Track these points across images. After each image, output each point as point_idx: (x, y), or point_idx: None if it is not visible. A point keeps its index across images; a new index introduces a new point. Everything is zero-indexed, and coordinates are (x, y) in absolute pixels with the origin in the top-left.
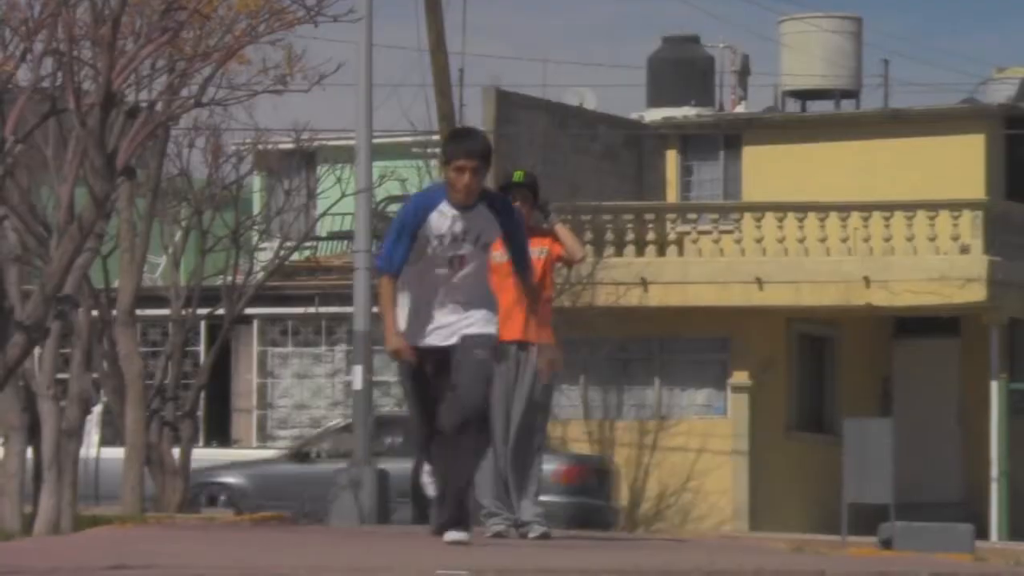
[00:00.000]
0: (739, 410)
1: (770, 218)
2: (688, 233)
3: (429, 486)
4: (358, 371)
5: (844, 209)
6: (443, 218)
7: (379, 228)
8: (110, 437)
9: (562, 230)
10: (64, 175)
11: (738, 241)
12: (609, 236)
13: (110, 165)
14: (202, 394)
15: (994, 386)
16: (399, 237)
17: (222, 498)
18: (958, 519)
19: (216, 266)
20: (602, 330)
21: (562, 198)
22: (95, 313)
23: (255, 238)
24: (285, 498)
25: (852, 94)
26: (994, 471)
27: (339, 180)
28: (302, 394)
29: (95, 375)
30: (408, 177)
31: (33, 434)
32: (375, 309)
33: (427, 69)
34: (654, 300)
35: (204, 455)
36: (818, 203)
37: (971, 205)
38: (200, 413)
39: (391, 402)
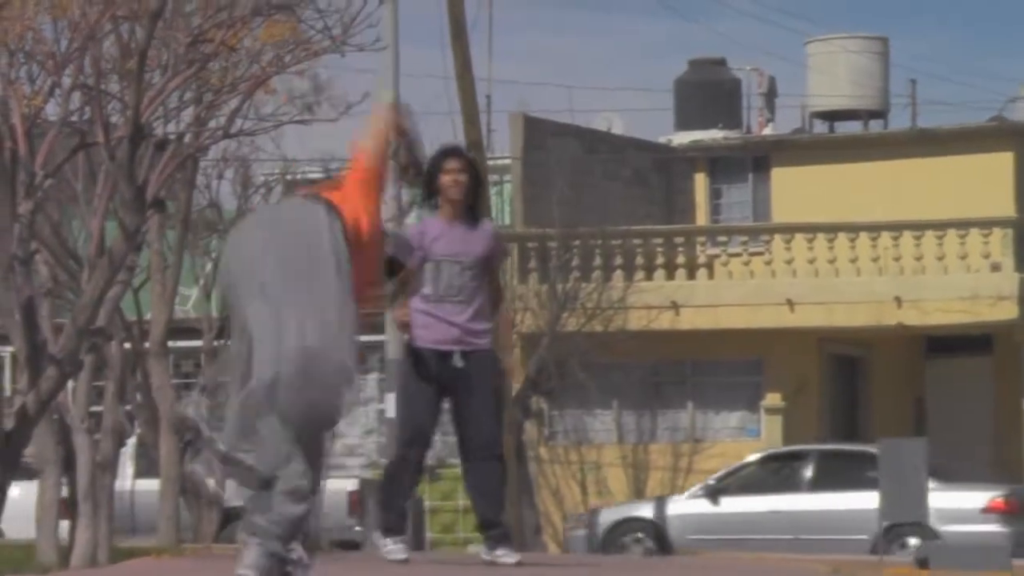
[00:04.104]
0: (773, 432)
1: (800, 239)
2: (718, 256)
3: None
4: (391, 399)
5: (874, 229)
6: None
7: None
8: (145, 469)
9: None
10: (94, 208)
11: (768, 263)
12: (639, 260)
13: (140, 198)
14: None
15: None
16: None
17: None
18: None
19: None
20: (634, 354)
21: (591, 223)
22: (127, 345)
23: None
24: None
25: (880, 114)
26: None
27: None
28: None
29: (128, 407)
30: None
31: (68, 467)
32: (406, 337)
33: (454, 96)
34: (685, 323)
35: None
36: (848, 223)
37: (1001, 223)
38: None
39: None
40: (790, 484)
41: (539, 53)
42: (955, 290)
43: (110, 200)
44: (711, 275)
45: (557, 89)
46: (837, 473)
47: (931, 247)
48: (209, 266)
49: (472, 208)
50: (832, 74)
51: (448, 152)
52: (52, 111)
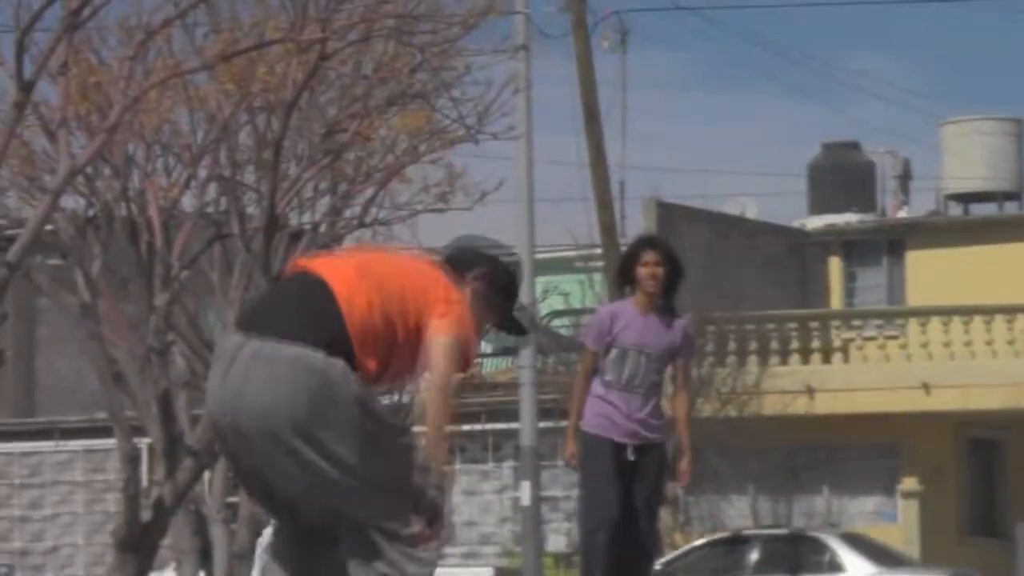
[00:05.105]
0: (910, 516)
1: (935, 322)
2: (853, 340)
3: None
4: (526, 487)
5: (1010, 311)
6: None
7: (544, 343)
8: None
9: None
10: (230, 299)
11: (903, 346)
12: (774, 345)
13: None
14: None
15: None
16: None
17: None
18: None
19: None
20: (769, 439)
21: (725, 308)
22: None
23: None
24: None
25: (1015, 195)
26: None
27: None
28: (471, 511)
29: None
30: (571, 291)
31: (205, 558)
32: (541, 425)
33: (588, 182)
34: (821, 408)
35: None
36: (983, 306)
37: None
38: None
39: (560, 516)
40: (737, 569)
41: (672, 138)
42: None
43: (246, 291)
44: (846, 359)
45: (691, 174)
46: (783, 558)
47: None
48: None
49: (668, 299)
50: (966, 156)
51: (645, 243)
52: (188, 203)
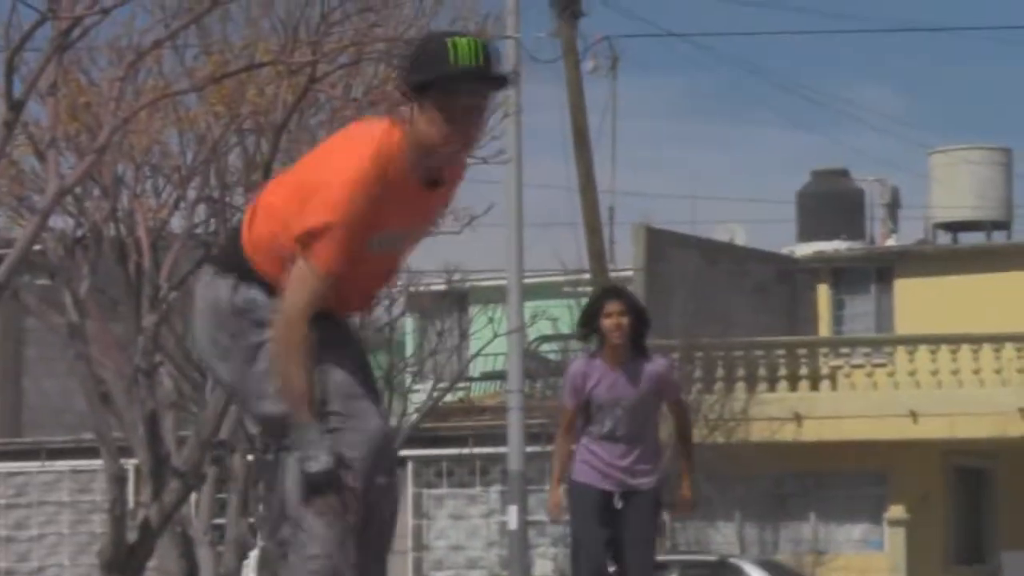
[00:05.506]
0: (896, 544)
1: (923, 351)
2: (841, 367)
3: None
4: (513, 511)
5: (997, 340)
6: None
7: (531, 368)
8: None
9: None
10: None
11: (891, 374)
12: (762, 372)
13: None
14: None
15: None
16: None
17: None
18: None
19: None
20: (757, 466)
21: (714, 334)
22: (251, 457)
23: (408, 380)
24: None
25: (1003, 225)
26: None
27: (491, 320)
28: (458, 535)
29: (252, 519)
30: (560, 316)
31: None
32: (529, 449)
33: (578, 207)
34: (808, 435)
35: None
36: (971, 335)
37: None
38: None
39: (547, 541)
40: None
41: (662, 164)
42: None
43: None
44: (834, 387)
45: (680, 200)
46: None
47: None
48: None
49: (637, 346)
50: (955, 185)
51: (609, 294)
52: (177, 224)
